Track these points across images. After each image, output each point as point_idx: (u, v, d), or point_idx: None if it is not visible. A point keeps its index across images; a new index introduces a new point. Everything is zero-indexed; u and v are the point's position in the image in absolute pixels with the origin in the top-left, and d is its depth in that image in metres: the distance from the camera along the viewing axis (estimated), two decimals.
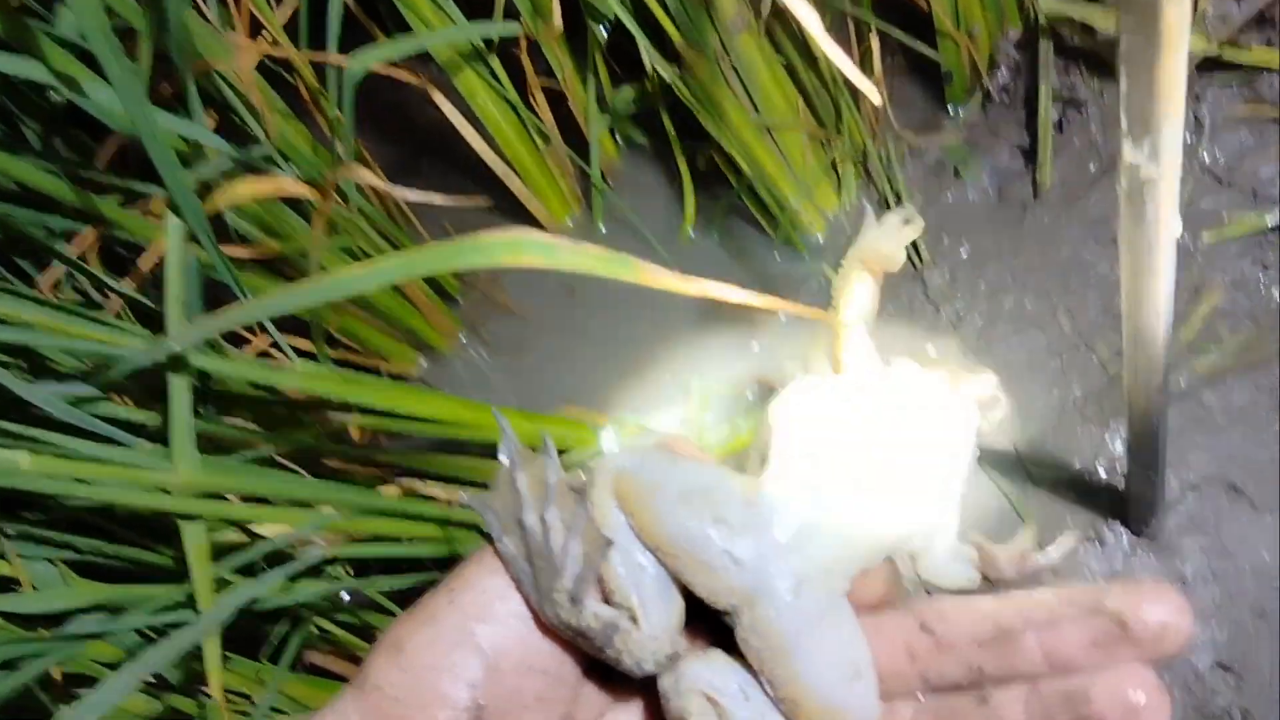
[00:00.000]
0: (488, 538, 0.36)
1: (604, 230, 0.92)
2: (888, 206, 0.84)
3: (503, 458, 0.37)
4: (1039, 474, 0.69)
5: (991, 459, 0.70)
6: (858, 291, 0.45)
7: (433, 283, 0.90)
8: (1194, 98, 0.75)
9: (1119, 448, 0.68)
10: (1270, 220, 0.72)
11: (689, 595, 0.36)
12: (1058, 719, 0.34)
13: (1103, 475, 0.68)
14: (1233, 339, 0.70)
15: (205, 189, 0.65)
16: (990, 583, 0.41)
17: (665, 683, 0.35)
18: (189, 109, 0.60)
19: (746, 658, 0.35)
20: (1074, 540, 0.49)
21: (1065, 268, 0.75)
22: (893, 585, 0.40)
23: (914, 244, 0.81)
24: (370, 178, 0.46)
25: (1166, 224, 0.44)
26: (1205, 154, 0.75)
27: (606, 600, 0.35)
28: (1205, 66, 0.74)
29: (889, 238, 0.46)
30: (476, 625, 0.35)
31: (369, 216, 0.80)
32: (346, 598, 0.72)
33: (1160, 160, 0.41)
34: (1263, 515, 0.65)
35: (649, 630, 0.34)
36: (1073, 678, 0.34)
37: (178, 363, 0.55)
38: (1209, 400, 0.69)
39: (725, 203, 0.89)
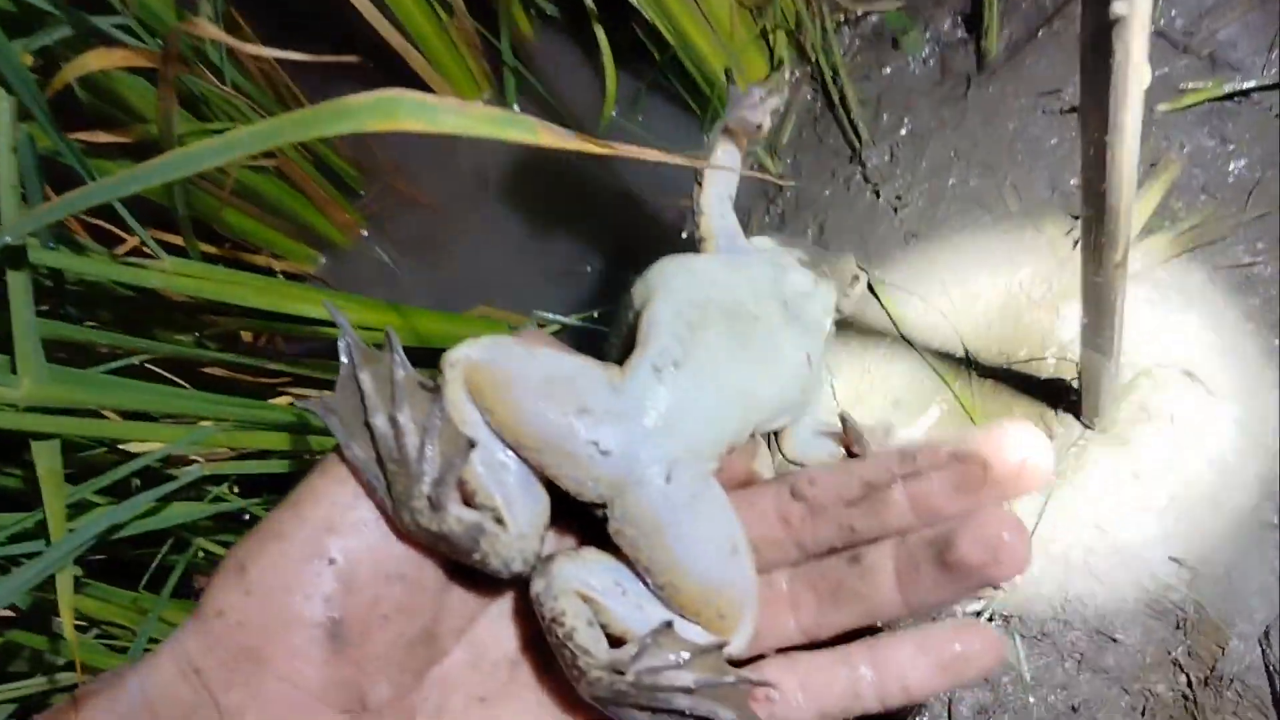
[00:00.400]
0: (337, 446, 0.33)
1: (517, 109, 0.85)
2: (822, 83, 0.77)
3: (343, 356, 0.34)
4: (985, 362, 0.64)
5: (934, 346, 0.66)
6: (722, 159, 0.45)
7: (329, 173, 0.82)
8: None
9: (1068, 334, 0.64)
10: (1229, 88, 0.68)
11: (555, 492, 0.35)
12: (925, 567, 0.35)
13: (1051, 363, 0.64)
14: (1189, 215, 0.65)
15: (51, 63, 0.57)
16: (855, 458, 0.40)
17: (537, 586, 0.33)
18: None
19: (621, 550, 0.34)
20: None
21: (1012, 142, 0.70)
22: (759, 461, 0.41)
23: (851, 122, 0.75)
24: (215, 31, 0.38)
25: (1136, 72, 0.38)
26: (1161, 17, 0.70)
27: (468, 502, 0.33)
28: None
29: (752, 110, 0.45)
30: (326, 537, 0.32)
31: (252, 98, 0.72)
32: (247, 515, 0.66)
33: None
34: (1218, 401, 0.61)
35: (516, 530, 0.33)
36: (938, 526, 0.35)
37: (16, 257, 0.48)
38: (1164, 281, 0.64)
39: (649, 79, 0.82)
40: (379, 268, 0.84)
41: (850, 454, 0.41)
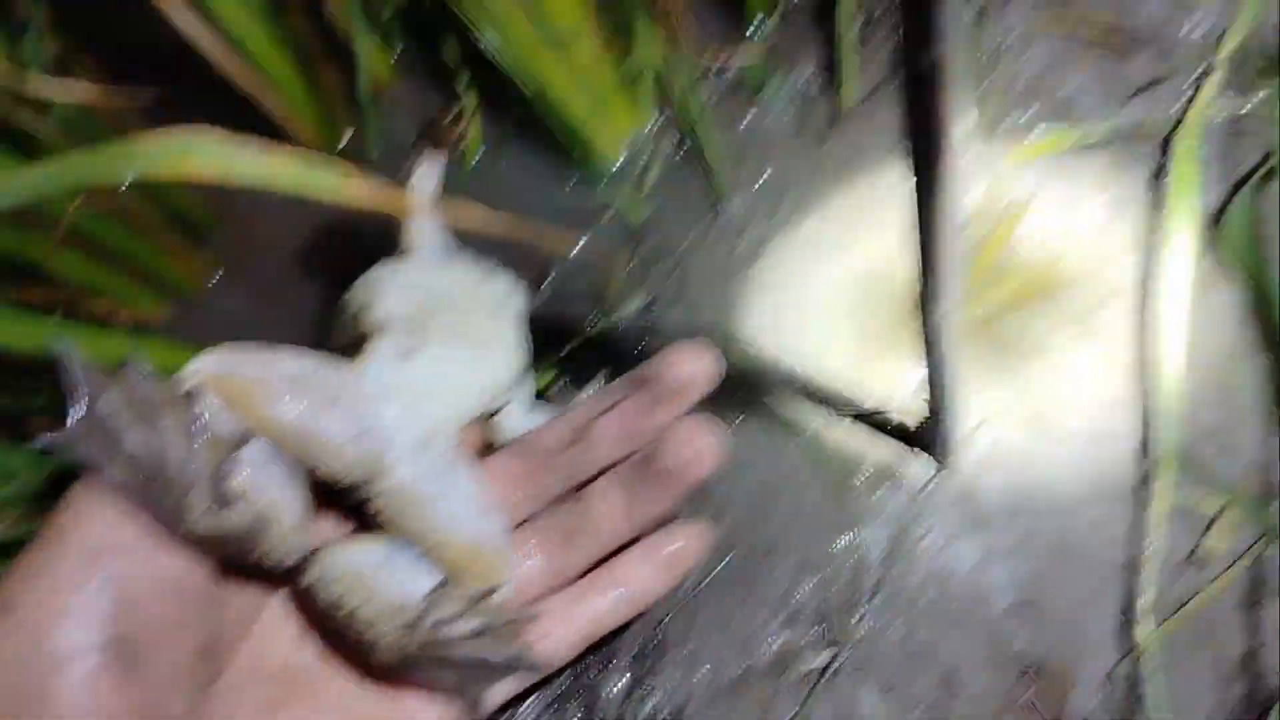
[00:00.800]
0: (82, 475, 0.33)
1: (376, 156, 0.83)
2: (682, 129, 0.77)
3: (74, 385, 0.34)
4: (833, 410, 0.65)
5: (795, 388, 0.66)
6: (423, 175, 0.55)
7: (177, 215, 0.79)
8: (995, 13, 0.71)
9: (916, 380, 0.64)
10: (1074, 137, 0.70)
11: (316, 486, 0.38)
12: (639, 484, 0.41)
13: (901, 410, 0.64)
14: (1034, 263, 0.67)
15: None
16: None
17: (311, 577, 0.36)
18: None
19: (386, 528, 0.38)
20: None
21: (867, 191, 0.71)
22: (492, 432, 0.47)
23: (712, 171, 0.75)
24: None
25: (954, 119, 0.38)
26: (1008, 71, 0.72)
27: (238, 502, 0.34)
28: None
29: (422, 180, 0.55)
30: (96, 560, 0.32)
31: (90, 139, 0.69)
32: None
33: (941, 47, 0.35)
34: (1062, 447, 0.62)
35: (290, 522, 0.35)
36: (643, 448, 0.41)
37: None
38: (1010, 327, 0.65)
39: (513, 124, 0.81)
40: (232, 314, 0.81)
41: None
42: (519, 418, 0.48)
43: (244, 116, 0.79)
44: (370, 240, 0.82)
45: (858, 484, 0.63)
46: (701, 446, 0.40)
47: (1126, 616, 0.58)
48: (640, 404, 0.41)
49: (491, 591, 0.37)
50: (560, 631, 0.41)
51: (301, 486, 0.37)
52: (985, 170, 0.70)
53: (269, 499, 0.34)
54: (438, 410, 0.40)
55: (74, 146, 0.65)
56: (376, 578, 0.36)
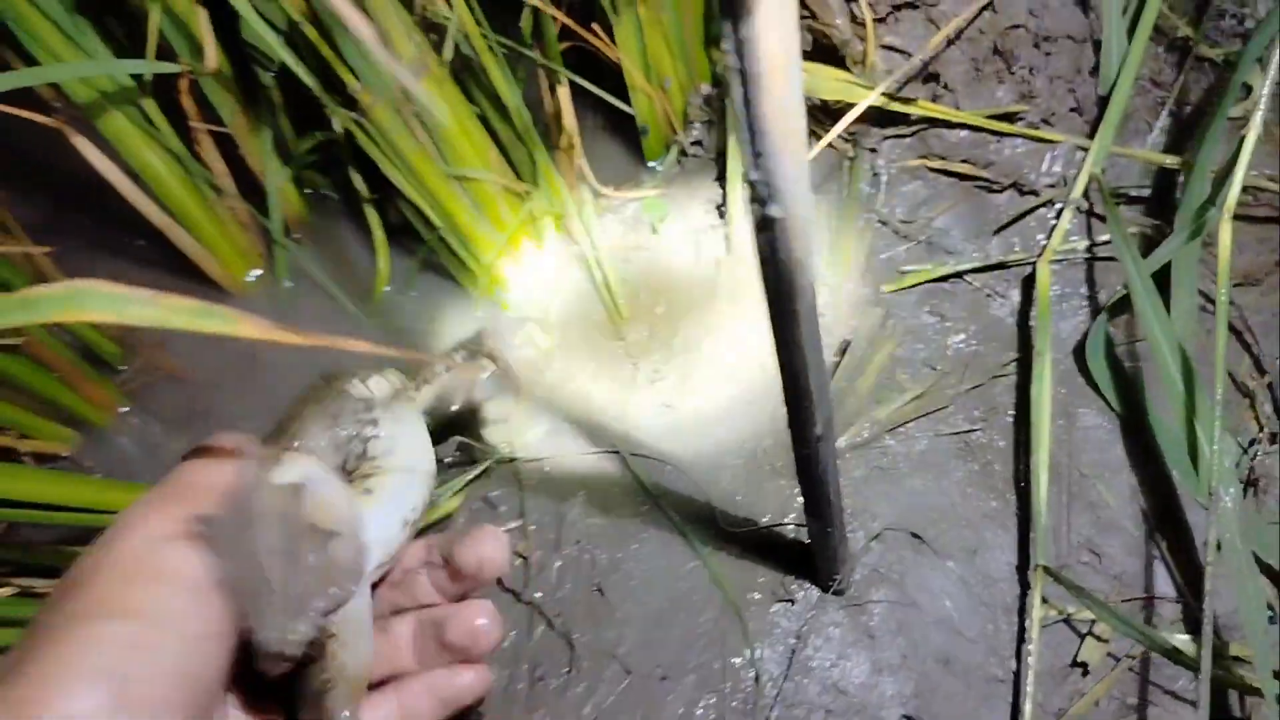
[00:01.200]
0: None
1: (289, 287, 0.85)
2: (585, 263, 0.81)
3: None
4: (731, 528, 0.67)
5: (686, 515, 0.68)
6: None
7: (84, 350, 0.80)
8: (869, 151, 0.77)
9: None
10: (943, 270, 0.74)
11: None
12: (429, 642, 0.45)
13: (791, 530, 0.67)
14: (912, 386, 0.71)
15: None
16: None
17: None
18: None
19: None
20: None
21: (756, 318, 0.75)
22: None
23: (614, 302, 0.78)
24: None
25: (801, 267, 0.42)
26: (883, 206, 0.77)
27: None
28: (878, 120, 0.76)
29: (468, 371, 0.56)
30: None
31: (7, 285, 0.71)
32: None
33: (784, 201, 0.39)
34: (944, 562, 0.65)
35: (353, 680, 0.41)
36: (438, 608, 0.46)
37: None
38: (892, 448, 0.69)
39: (421, 257, 0.84)
40: (141, 444, 0.81)
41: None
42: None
43: (159, 253, 0.81)
44: (274, 370, 0.84)
45: (752, 602, 0.64)
46: (482, 633, 0.45)
47: None
48: (443, 577, 0.47)
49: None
50: None
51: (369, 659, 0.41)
52: (863, 300, 0.74)
53: (347, 656, 0.39)
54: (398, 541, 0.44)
55: None
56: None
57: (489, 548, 0.46)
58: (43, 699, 0.32)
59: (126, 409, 0.82)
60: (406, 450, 0.47)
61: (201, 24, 0.70)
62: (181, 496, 0.38)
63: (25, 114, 0.65)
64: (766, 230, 0.40)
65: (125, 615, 0.34)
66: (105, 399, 0.80)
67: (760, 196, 0.39)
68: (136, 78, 0.72)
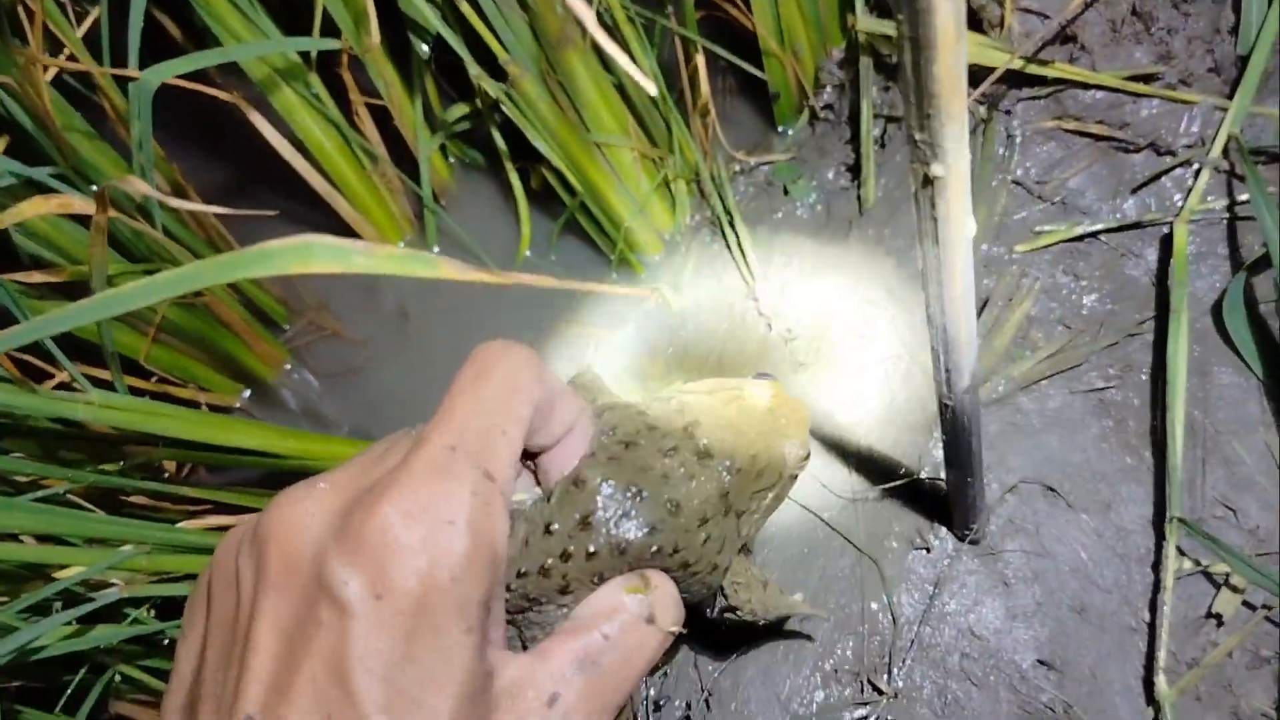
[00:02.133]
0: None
1: (437, 253, 0.90)
2: (719, 227, 0.84)
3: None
4: (868, 482, 0.69)
5: (823, 467, 0.71)
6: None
7: (256, 310, 0.86)
8: (1004, 113, 0.78)
9: (940, 454, 0.69)
10: (1079, 230, 0.75)
11: None
12: None
13: (927, 481, 0.69)
14: (1047, 345, 0.72)
15: None
16: None
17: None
18: None
19: None
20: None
21: (889, 278, 0.77)
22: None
23: (747, 263, 0.81)
24: (144, 187, 0.43)
25: (959, 223, 0.44)
26: (1017, 168, 0.78)
27: None
28: (1013, 82, 0.77)
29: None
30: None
31: (184, 243, 0.76)
32: (167, 640, 0.67)
33: (946, 160, 0.41)
34: (1078, 514, 0.67)
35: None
36: None
37: None
38: (1025, 405, 0.70)
39: (562, 223, 0.88)
40: (302, 399, 0.87)
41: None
42: None
43: (321, 219, 0.87)
44: (422, 330, 0.89)
45: (889, 550, 0.67)
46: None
47: (1146, 673, 0.62)
48: None
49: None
50: None
51: None
52: (998, 260, 0.75)
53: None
54: None
55: (180, 254, 0.73)
56: None
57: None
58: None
59: (289, 366, 0.88)
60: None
61: (365, 1, 0.75)
62: None
63: (209, 90, 0.71)
64: (929, 187, 0.43)
65: None
66: (272, 356, 0.87)
67: (924, 156, 0.41)
68: (303, 55, 0.77)
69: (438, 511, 0.33)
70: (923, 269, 0.48)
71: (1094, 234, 0.76)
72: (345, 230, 0.87)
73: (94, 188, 0.70)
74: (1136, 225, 0.75)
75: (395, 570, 0.31)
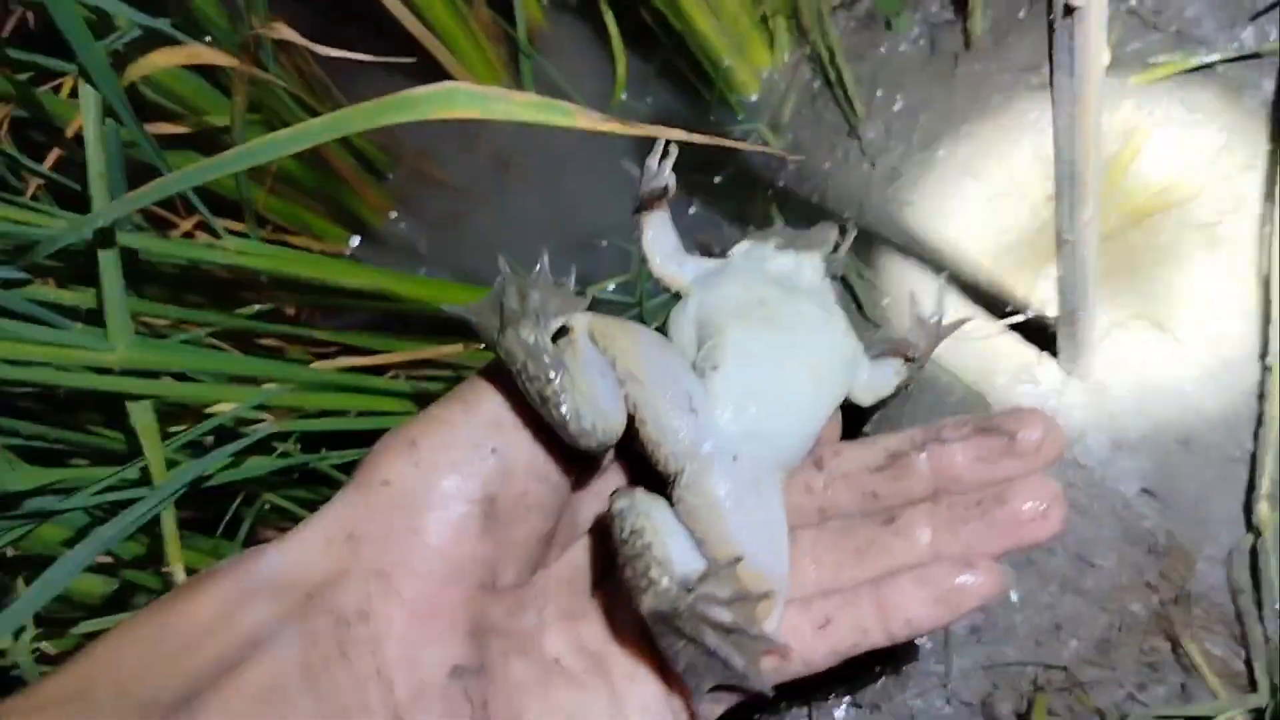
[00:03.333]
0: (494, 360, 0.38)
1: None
2: (819, 64, 0.83)
3: (502, 273, 0.39)
4: (973, 317, 0.70)
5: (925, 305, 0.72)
6: (654, 226, 0.47)
7: (362, 159, 0.88)
8: None
9: (1048, 290, 0.70)
10: (1195, 61, 0.73)
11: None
12: (969, 525, 0.39)
13: (1034, 318, 0.70)
14: (1158, 179, 0.71)
15: (118, 61, 0.62)
16: (917, 363, 0.45)
17: (620, 503, 0.37)
18: None
19: (679, 515, 0.38)
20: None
21: (998, 115, 0.76)
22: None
23: (849, 99, 0.80)
24: (291, 34, 0.44)
25: (1095, 55, 0.44)
26: None
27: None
28: None
29: (651, 180, 0.47)
30: (491, 429, 0.37)
31: (289, 91, 0.78)
32: (299, 472, 0.72)
33: None
34: (1185, 349, 0.67)
35: (593, 396, 0.36)
36: (980, 490, 0.39)
37: (106, 239, 0.53)
38: (1136, 240, 0.70)
39: (657, 64, 0.87)
40: (407, 245, 0.90)
41: (912, 360, 0.45)
42: (871, 390, 0.44)
43: (418, 66, 0.87)
44: (522, 179, 0.90)
45: (997, 384, 0.69)
46: (1051, 509, 0.38)
47: (1247, 500, 0.64)
48: (975, 453, 0.40)
49: (767, 596, 0.37)
50: (815, 638, 0.39)
51: (618, 406, 0.38)
52: (1112, 92, 0.74)
53: (582, 378, 0.36)
54: (780, 428, 0.39)
55: (291, 103, 0.74)
56: (667, 533, 0.37)
57: (1047, 425, 0.39)
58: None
59: (394, 214, 0.90)
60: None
61: None
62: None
63: None
64: (1067, 17, 0.42)
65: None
66: (379, 203, 0.89)
67: None
68: None
69: None
70: (1054, 100, 0.48)
71: (1210, 65, 0.74)
72: (440, 74, 0.88)
73: (207, 37, 0.71)
74: (1255, 55, 0.73)
75: None
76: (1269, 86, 0.73)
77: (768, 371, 0.40)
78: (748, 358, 0.40)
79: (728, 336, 0.40)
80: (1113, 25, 0.75)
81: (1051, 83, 0.46)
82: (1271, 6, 0.74)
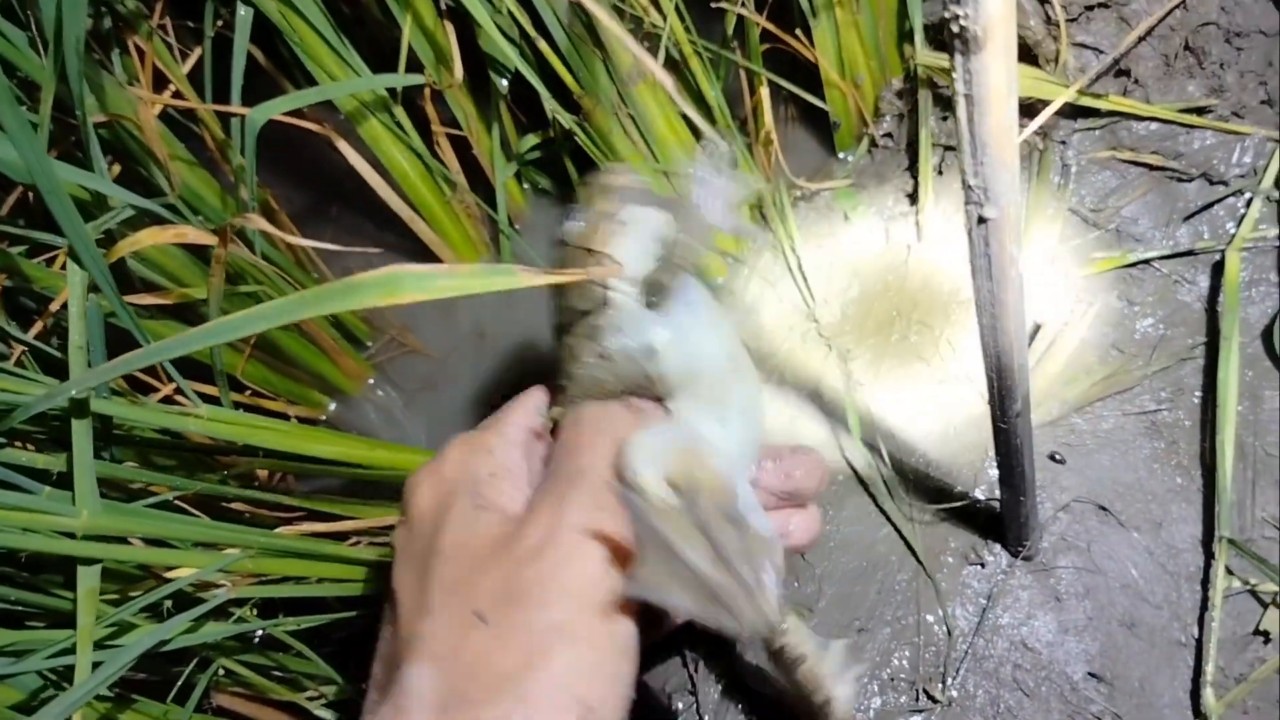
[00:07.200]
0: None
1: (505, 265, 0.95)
2: (780, 249, 0.87)
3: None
4: (925, 500, 0.72)
5: (881, 485, 0.74)
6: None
7: (341, 328, 0.91)
8: (1059, 143, 0.80)
9: (995, 473, 0.72)
10: (1132, 257, 0.78)
11: None
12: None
13: (981, 500, 0.72)
14: (1100, 368, 0.75)
15: (109, 238, 0.66)
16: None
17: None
18: (90, 160, 0.61)
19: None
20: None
21: (946, 303, 0.80)
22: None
23: (807, 285, 0.84)
24: (264, 224, 0.48)
25: (1010, 261, 0.47)
26: (1073, 196, 0.80)
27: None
28: (1068, 114, 0.79)
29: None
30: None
31: (278, 265, 0.82)
32: (257, 637, 0.72)
33: (999, 203, 0.44)
34: (1129, 533, 0.69)
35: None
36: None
37: (80, 407, 0.56)
38: (1079, 426, 0.73)
39: None
40: (384, 412, 0.92)
41: None
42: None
43: (401, 242, 0.92)
44: (499, 347, 0.94)
45: (944, 565, 0.70)
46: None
47: (1194, 687, 0.64)
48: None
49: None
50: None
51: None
52: (1054, 284, 0.78)
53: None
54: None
55: (273, 275, 0.78)
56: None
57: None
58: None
59: (373, 380, 0.93)
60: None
61: (449, 39, 0.80)
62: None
63: (305, 124, 0.76)
64: (981, 227, 0.46)
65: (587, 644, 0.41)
66: (356, 371, 0.92)
67: (977, 199, 0.45)
68: (390, 89, 0.82)
69: None
70: (976, 302, 0.51)
71: (1147, 261, 0.78)
72: (425, 251, 0.92)
73: (199, 216, 0.75)
74: (1189, 253, 0.77)
75: None
76: (1204, 281, 0.77)
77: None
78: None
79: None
80: (1053, 222, 0.80)
81: (973, 287, 0.50)
82: (1205, 208, 0.79)
